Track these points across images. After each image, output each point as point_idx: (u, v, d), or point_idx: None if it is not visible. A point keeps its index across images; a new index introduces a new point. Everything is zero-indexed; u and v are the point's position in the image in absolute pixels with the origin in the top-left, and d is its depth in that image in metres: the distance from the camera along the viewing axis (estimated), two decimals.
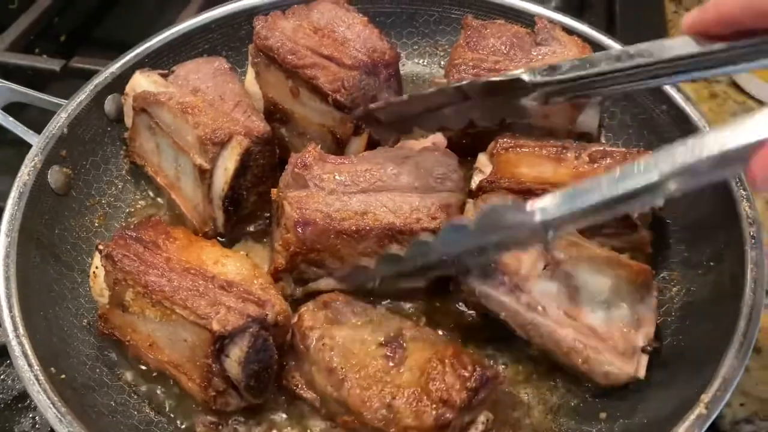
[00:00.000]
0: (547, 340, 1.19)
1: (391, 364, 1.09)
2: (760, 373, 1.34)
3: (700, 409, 1.04)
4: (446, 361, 1.06)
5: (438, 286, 1.28)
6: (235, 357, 1.11)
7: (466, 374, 1.04)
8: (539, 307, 1.18)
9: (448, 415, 1.02)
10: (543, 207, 1.01)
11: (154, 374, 1.23)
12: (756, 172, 0.87)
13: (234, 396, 1.15)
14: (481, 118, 1.27)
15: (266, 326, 1.13)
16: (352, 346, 1.12)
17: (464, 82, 1.26)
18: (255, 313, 1.11)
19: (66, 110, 1.45)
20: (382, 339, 1.12)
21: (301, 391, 1.17)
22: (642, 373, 1.17)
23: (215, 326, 1.08)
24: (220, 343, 1.10)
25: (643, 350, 1.18)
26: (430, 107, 1.30)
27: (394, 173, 1.28)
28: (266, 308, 1.13)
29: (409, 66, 1.77)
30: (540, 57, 1.44)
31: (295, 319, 1.19)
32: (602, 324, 1.18)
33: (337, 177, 1.27)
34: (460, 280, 1.21)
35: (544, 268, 1.20)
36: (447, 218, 1.24)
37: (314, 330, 1.15)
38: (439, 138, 1.43)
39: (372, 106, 1.37)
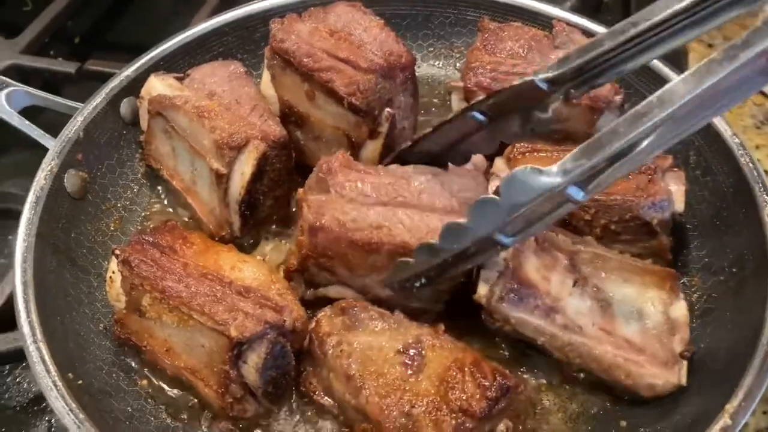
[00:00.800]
0: (587, 359, 1.17)
1: (409, 371, 1.07)
2: None
3: (724, 419, 1.03)
4: (466, 369, 1.05)
5: (453, 305, 1.27)
6: (252, 363, 1.11)
7: (486, 383, 1.03)
8: (576, 327, 1.17)
9: (468, 425, 1.01)
10: (563, 164, 0.97)
11: (171, 380, 1.23)
12: None
13: (251, 402, 1.15)
14: (512, 135, 1.26)
15: (284, 332, 1.13)
16: (370, 352, 1.11)
17: (479, 99, 1.25)
18: (273, 319, 1.11)
19: (82, 114, 1.45)
20: (401, 346, 1.11)
21: (319, 398, 1.17)
22: (684, 380, 1.15)
23: (233, 332, 1.08)
24: (238, 349, 1.09)
25: (682, 356, 1.16)
26: (457, 139, 1.30)
27: (418, 190, 1.25)
28: (284, 314, 1.13)
29: (424, 68, 1.76)
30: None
31: (313, 325, 1.18)
32: (638, 335, 1.16)
33: (359, 186, 1.25)
34: (492, 309, 1.18)
35: (574, 285, 1.18)
36: None
37: (332, 336, 1.15)
38: (478, 159, 1.34)
39: (402, 147, 1.38)
